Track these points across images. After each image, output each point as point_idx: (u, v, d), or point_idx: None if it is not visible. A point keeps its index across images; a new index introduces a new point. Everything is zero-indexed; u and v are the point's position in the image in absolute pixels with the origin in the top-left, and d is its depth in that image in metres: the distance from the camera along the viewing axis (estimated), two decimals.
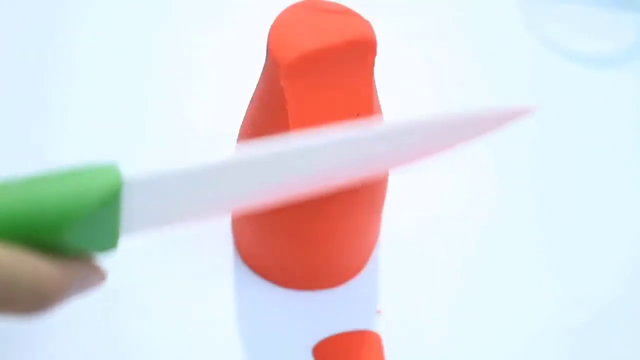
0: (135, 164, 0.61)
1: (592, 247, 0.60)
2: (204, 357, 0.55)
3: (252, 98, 0.51)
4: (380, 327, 0.56)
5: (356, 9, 0.68)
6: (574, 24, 0.68)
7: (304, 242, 0.53)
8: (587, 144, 0.63)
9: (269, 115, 0.48)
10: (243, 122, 0.52)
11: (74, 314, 0.56)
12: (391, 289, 0.58)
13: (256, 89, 0.50)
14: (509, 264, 0.59)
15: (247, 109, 0.51)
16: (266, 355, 0.55)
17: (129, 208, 0.39)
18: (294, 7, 0.47)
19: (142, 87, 0.64)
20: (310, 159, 0.41)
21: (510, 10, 0.68)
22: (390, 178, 0.61)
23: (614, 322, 0.57)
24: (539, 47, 0.67)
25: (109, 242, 0.39)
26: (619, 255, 0.59)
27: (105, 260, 0.58)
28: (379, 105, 0.50)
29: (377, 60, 0.66)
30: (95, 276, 0.39)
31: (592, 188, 0.62)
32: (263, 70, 0.48)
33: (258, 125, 0.50)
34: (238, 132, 0.62)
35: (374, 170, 0.42)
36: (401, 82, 0.65)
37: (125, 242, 0.58)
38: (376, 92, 0.49)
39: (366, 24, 0.47)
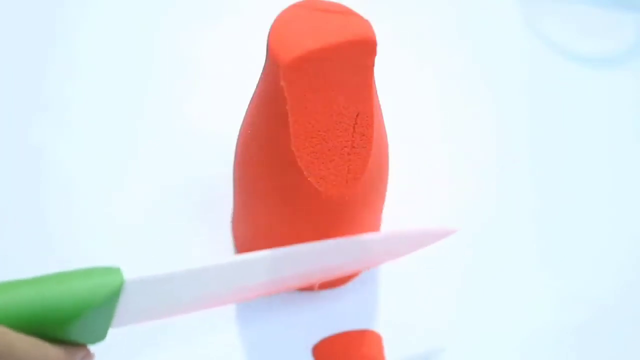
0: (135, 164, 0.61)
1: (592, 247, 0.60)
2: (204, 357, 0.55)
3: (252, 98, 0.50)
4: (380, 327, 0.56)
5: (356, 9, 0.68)
6: (574, 24, 0.68)
7: (304, 242, 0.53)
8: (587, 144, 0.63)
9: (269, 115, 0.48)
10: (243, 122, 0.52)
11: None
12: (391, 289, 0.57)
13: (256, 89, 0.50)
14: (509, 264, 0.59)
15: (247, 109, 0.51)
16: (266, 355, 0.55)
17: (125, 304, 0.45)
18: (294, 7, 0.47)
19: (142, 87, 0.64)
20: (290, 264, 0.49)
21: (510, 10, 0.68)
22: (390, 178, 0.61)
23: (614, 322, 0.57)
24: (539, 47, 0.67)
25: (100, 334, 0.44)
26: (619, 255, 0.59)
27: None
28: (379, 105, 0.50)
29: (377, 60, 0.66)
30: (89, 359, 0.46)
31: (592, 188, 0.62)
32: (263, 70, 0.48)
33: (258, 125, 0.49)
34: (238, 132, 0.62)
35: (332, 272, 0.50)
36: (401, 82, 0.65)
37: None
38: (376, 92, 0.49)
39: (366, 24, 0.47)
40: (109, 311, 0.44)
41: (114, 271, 0.44)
